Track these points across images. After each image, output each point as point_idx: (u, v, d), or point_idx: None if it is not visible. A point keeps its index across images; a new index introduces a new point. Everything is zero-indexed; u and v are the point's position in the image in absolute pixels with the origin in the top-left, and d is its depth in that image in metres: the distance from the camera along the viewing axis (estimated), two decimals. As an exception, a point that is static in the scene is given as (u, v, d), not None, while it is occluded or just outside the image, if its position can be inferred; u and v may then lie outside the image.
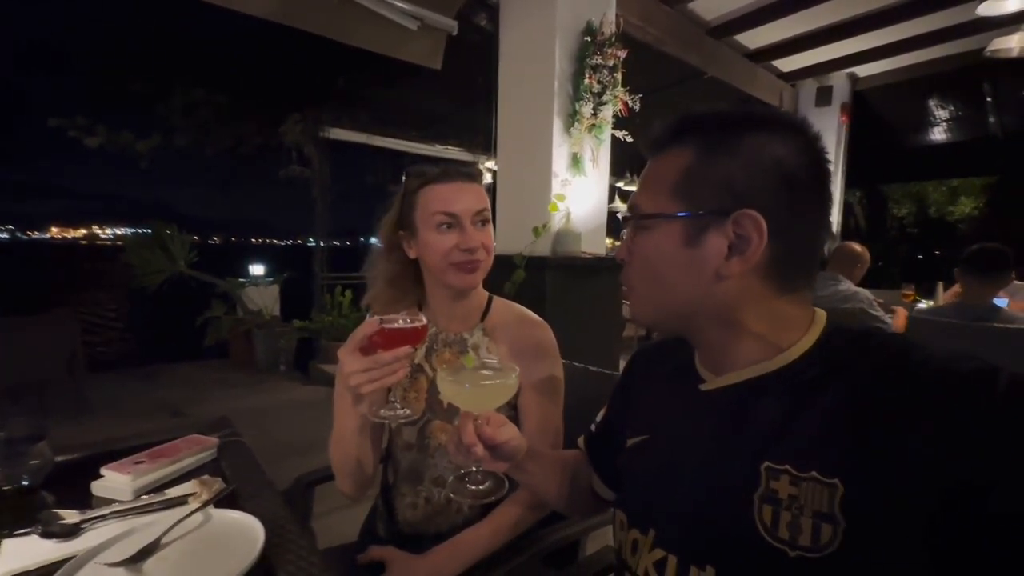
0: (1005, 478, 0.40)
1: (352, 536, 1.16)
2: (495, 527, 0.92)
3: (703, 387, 0.61)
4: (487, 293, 1.07)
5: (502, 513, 0.93)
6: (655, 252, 0.58)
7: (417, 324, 0.75)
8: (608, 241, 3.43)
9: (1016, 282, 2.79)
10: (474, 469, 0.71)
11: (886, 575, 0.45)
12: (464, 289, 0.98)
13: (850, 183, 5.72)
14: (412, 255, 0.98)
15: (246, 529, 0.74)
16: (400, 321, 0.75)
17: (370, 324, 0.74)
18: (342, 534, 1.20)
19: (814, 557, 0.46)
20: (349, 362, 0.73)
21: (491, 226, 0.98)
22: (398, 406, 0.81)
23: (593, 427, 0.85)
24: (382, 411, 0.81)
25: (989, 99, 5.49)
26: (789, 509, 0.48)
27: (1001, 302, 2.40)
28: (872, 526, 0.44)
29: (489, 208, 0.97)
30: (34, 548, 0.70)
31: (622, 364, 0.96)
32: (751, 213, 0.52)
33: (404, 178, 0.99)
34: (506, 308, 1.06)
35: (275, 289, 5.62)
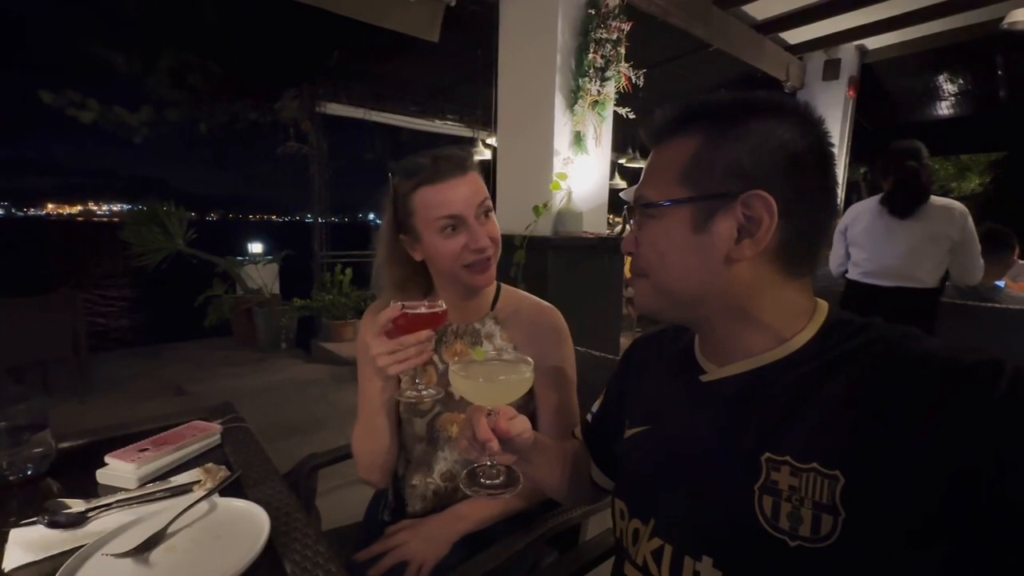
0: (1010, 469, 0.40)
1: (356, 516, 1.17)
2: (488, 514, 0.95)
3: (704, 378, 0.61)
4: (495, 281, 1.06)
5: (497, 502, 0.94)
6: (663, 240, 0.57)
7: (437, 310, 0.80)
8: (610, 216, 3.38)
9: (1020, 262, 2.77)
10: (488, 463, 0.70)
11: (884, 565, 0.45)
12: (479, 288, 0.96)
13: (856, 158, 5.61)
14: (418, 258, 0.95)
15: (251, 518, 0.74)
16: (422, 308, 0.79)
17: (393, 309, 0.77)
18: (346, 513, 1.22)
19: (814, 547, 0.47)
20: (376, 344, 0.78)
21: (493, 213, 0.95)
22: (422, 386, 0.85)
23: (590, 417, 0.84)
24: (408, 391, 0.84)
25: (1000, 72, 5.36)
26: (789, 500, 0.48)
27: (999, 282, 2.40)
28: (872, 517, 0.45)
29: (488, 194, 0.93)
30: (41, 538, 0.70)
31: (624, 343, 0.96)
32: (761, 193, 0.51)
33: (391, 177, 0.93)
34: (515, 295, 1.06)
35: (275, 267, 5.58)
